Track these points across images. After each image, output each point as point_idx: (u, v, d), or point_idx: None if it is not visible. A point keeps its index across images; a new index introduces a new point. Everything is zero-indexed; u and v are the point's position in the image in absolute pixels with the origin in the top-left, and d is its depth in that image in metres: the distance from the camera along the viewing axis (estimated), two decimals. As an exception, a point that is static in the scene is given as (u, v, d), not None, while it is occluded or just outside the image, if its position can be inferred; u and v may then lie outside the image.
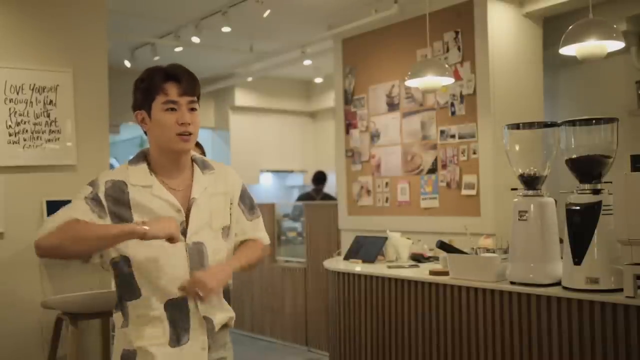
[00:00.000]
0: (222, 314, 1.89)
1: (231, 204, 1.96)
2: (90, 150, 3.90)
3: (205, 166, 1.96)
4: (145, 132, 1.90)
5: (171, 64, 1.88)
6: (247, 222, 1.99)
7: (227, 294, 1.96)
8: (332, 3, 5.00)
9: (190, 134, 1.83)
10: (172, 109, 1.81)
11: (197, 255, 1.83)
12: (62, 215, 1.75)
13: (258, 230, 2.02)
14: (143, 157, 1.89)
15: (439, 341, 2.97)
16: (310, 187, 7.84)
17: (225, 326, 1.92)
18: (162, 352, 1.79)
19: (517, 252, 2.69)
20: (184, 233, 1.82)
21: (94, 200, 1.79)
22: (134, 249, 1.79)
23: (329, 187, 7.65)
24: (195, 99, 1.86)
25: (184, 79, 1.83)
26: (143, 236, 1.69)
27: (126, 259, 1.81)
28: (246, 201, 2.01)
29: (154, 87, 1.83)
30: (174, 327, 1.80)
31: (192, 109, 1.85)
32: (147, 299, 1.79)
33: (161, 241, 1.73)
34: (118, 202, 1.80)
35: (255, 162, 8.01)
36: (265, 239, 2.04)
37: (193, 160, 1.94)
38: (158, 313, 1.79)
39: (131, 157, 1.91)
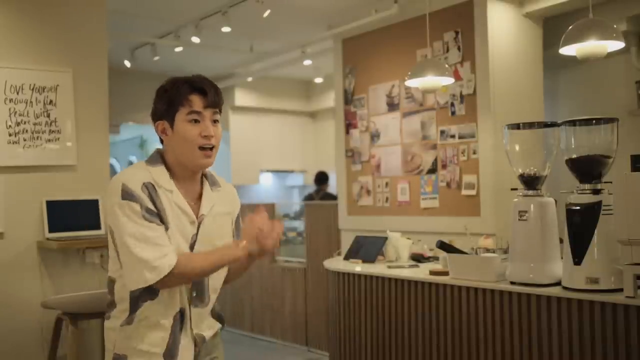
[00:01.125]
0: (211, 330, 1.94)
1: (232, 223, 1.98)
2: (90, 150, 3.91)
3: (213, 182, 1.93)
4: (162, 141, 1.87)
5: (197, 75, 1.85)
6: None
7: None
8: (332, 3, 5.00)
9: (212, 147, 1.81)
10: (196, 121, 1.79)
11: None
12: (159, 243, 1.72)
13: None
14: (160, 158, 1.84)
15: (439, 341, 2.97)
16: (311, 187, 7.84)
17: (215, 333, 1.96)
18: None
19: (517, 252, 2.69)
20: (192, 247, 1.83)
21: (151, 213, 1.73)
22: None
23: (331, 187, 7.66)
24: (218, 111, 1.84)
25: (210, 91, 1.81)
26: (242, 257, 1.80)
27: None
28: (239, 224, 2.01)
29: (178, 98, 1.79)
30: (172, 339, 1.81)
31: (215, 121, 1.83)
32: (162, 303, 1.79)
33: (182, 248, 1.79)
34: (155, 205, 1.76)
35: (255, 162, 8.01)
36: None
37: (203, 174, 1.91)
38: (165, 321, 1.80)
39: (147, 158, 1.87)
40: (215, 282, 1.92)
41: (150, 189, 1.76)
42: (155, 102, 1.84)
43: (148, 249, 1.70)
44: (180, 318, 1.82)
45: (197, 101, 1.79)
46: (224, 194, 1.95)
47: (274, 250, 1.80)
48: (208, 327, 1.91)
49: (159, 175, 1.80)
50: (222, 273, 1.93)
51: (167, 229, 1.76)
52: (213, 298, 1.92)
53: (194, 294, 1.85)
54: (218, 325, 1.97)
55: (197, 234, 1.83)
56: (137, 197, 1.73)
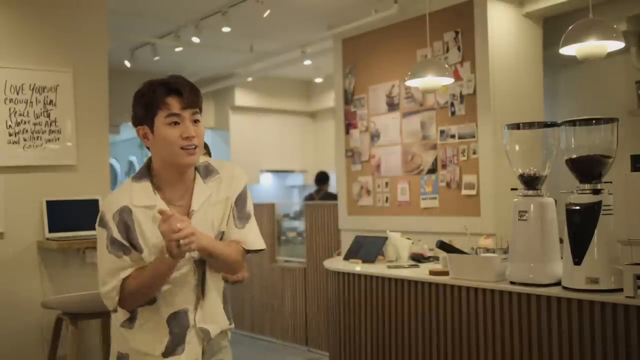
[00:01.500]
0: (219, 325, 1.92)
1: (229, 208, 1.93)
2: (90, 150, 3.91)
3: (207, 173, 1.90)
4: (148, 148, 1.86)
5: (172, 76, 1.84)
6: (234, 229, 1.91)
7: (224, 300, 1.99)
8: (332, 3, 5.00)
9: (195, 147, 1.79)
10: (176, 123, 1.77)
11: (201, 266, 1.88)
12: (108, 277, 1.80)
13: (243, 236, 1.93)
14: (147, 172, 1.85)
15: (439, 341, 2.97)
16: (311, 187, 7.84)
17: (222, 331, 1.95)
18: None
19: (517, 252, 2.69)
20: None
21: (114, 244, 1.78)
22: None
23: (331, 187, 7.65)
24: (197, 110, 1.82)
25: (186, 92, 1.79)
26: (172, 263, 1.75)
27: None
28: (239, 205, 1.93)
29: (155, 101, 1.78)
30: (172, 339, 1.83)
31: (196, 121, 1.81)
32: (161, 307, 1.83)
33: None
34: (128, 229, 1.78)
35: (255, 162, 8.00)
36: (252, 243, 1.94)
37: (196, 168, 1.89)
38: (165, 324, 1.82)
39: (135, 173, 1.88)
40: (210, 280, 1.90)
41: (124, 214, 1.78)
42: (134, 107, 1.83)
43: (104, 279, 1.80)
44: (181, 317, 1.83)
45: (174, 103, 1.77)
46: (223, 180, 1.91)
47: (182, 253, 1.72)
48: (212, 322, 1.89)
49: (141, 192, 1.81)
50: (217, 269, 1.93)
51: (141, 252, 1.79)
52: (211, 295, 1.90)
53: (191, 294, 1.86)
54: (225, 323, 1.95)
55: None
56: (106, 227, 1.79)
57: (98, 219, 1.82)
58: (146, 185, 1.83)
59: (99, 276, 1.82)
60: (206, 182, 1.89)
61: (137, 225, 1.79)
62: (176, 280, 1.82)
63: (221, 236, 1.91)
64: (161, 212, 1.72)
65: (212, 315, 1.90)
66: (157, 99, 1.77)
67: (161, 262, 1.75)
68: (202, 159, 1.92)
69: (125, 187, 1.84)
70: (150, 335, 1.82)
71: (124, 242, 1.79)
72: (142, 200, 1.80)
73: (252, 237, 1.94)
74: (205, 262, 1.87)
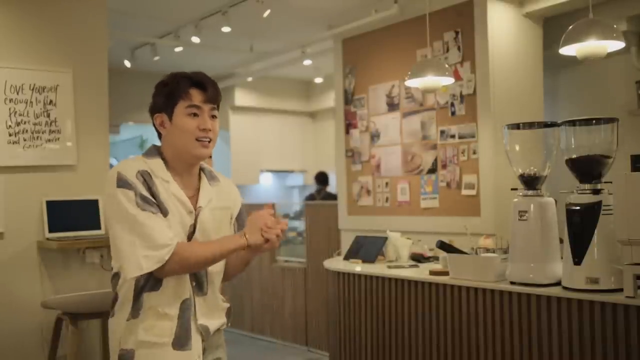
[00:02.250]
0: (217, 320, 1.93)
1: (231, 218, 1.99)
2: (90, 150, 3.91)
3: (212, 177, 1.96)
4: (159, 136, 1.89)
5: (196, 72, 1.88)
6: None
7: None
8: (332, 3, 5.00)
9: (210, 140, 1.84)
10: (195, 115, 1.82)
11: None
12: (160, 235, 1.72)
13: None
14: (157, 152, 1.87)
15: (439, 341, 2.97)
16: (311, 187, 7.84)
17: (218, 329, 1.95)
18: (164, 353, 1.79)
19: (517, 252, 2.69)
20: (190, 237, 1.84)
21: (145, 201, 1.74)
22: None
23: (330, 188, 7.65)
24: (216, 107, 1.88)
25: (209, 87, 1.84)
26: (245, 247, 1.80)
27: None
28: (240, 221, 2.01)
29: (178, 91, 1.82)
30: (180, 328, 1.80)
31: (214, 117, 1.86)
32: (166, 294, 1.80)
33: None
34: (151, 192, 1.77)
35: (255, 162, 8.01)
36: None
37: (201, 169, 1.94)
38: (171, 310, 1.80)
39: (143, 153, 1.89)
40: (214, 273, 1.91)
41: (146, 176, 1.78)
42: (155, 96, 1.87)
43: (141, 238, 1.71)
44: (187, 307, 1.82)
45: (196, 95, 1.82)
46: (223, 189, 1.97)
47: (275, 247, 1.78)
48: (211, 318, 1.90)
49: (156, 166, 1.82)
50: (219, 265, 1.93)
51: (165, 214, 1.77)
52: (212, 289, 1.91)
53: (193, 284, 1.85)
54: (223, 320, 1.96)
55: (194, 225, 1.84)
56: (131, 185, 1.74)
57: (115, 181, 1.74)
58: (159, 161, 1.85)
59: (129, 239, 1.71)
60: (211, 185, 1.93)
61: (158, 193, 1.78)
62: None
63: None
64: (271, 206, 1.85)
65: (212, 311, 1.90)
66: (181, 89, 1.82)
67: (233, 241, 1.80)
68: (207, 167, 1.98)
69: (138, 159, 1.85)
70: (159, 323, 1.79)
71: (154, 200, 1.76)
72: (160, 172, 1.82)
73: None
74: None
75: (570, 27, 3.17)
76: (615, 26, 3.12)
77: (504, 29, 4.35)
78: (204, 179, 1.92)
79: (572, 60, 3.46)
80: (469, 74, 4.36)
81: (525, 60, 4.50)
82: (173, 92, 1.82)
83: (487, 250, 3.08)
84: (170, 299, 1.80)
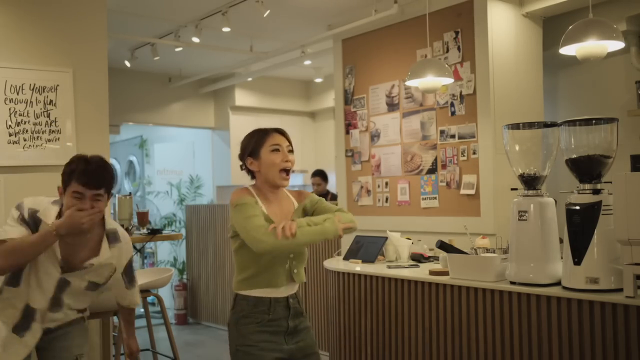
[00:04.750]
0: (56, 322, 2.59)
1: (112, 272, 2.60)
2: (90, 150, 3.87)
3: (115, 239, 2.59)
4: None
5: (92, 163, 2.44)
6: (124, 290, 2.74)
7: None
8: (332, 3, 5.00)
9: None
10: (78, 198, 2.40)
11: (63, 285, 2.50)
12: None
13: (132, 298, 2.81)
14: (61, 203, 2.47)
15: (439, 341, 2.97)
16: (311, 187, 7.82)
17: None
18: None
19: (517, 252, 2.69)
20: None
21: (20, 219, 2.46)
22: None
23: (330, 188, 7.63)
24: (100, 192, 2.45)
25: (92, 178, 2.40)
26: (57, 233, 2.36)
27: None
28: (128, 273, 2.70)
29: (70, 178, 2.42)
30: (21, 321, 2.48)
31: (97, 199, 2.44)
32: (19, 293, 2.47)
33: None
34: (33, 227, 2.47)
35: (255, 162, 7.98)
36: (137, 302, 2.85)
37: (106, 232, 2.56)
38: (19, 305, 2.47)
39: (56, 198, 2.51)
40: (76, 302, 2.57)
41: (34, 215, 2.44)
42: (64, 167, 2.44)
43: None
44: (31, 313, 2.46)
45: (76, 186, 2.39)
46: (121, 250, 2.63)
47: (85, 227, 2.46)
48: (54, 321, 2.55)
49: (50, 213, 2.49)
50: (84, 297, 2.59)
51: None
52: (69, 313, 2.57)
53: (52, 302, 2.49)
54: (71, 317, 2.60)
55: (73, 269, 2.50)
56: (22, 209, 2.48)
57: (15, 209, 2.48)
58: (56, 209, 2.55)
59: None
60: (111, 248, 2.60)
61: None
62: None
63: (96, 288, 2.67)
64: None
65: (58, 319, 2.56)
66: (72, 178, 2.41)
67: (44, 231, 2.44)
68: (111, 230, 2.66)
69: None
70: (8, 310, 2.47)
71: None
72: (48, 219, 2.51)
73: (138, 296, 2.96)
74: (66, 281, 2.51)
75: (570, 27, 3.17)
76: (615, 26, 3.13)
77: (503, 29, 4.35)
78: (105, 242, 2.54)
79: (572, 60, 3.46)
80: (469, 74, 4.36)
81: (525, 60, 4.50)
82: (69, 173, 2.43)
83: (487, 250, 3.08)
84: (20, 299, 2.48)
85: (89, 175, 2.37)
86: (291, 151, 2.50)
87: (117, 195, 4.65)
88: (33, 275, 2.45)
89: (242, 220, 2.34)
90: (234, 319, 2.43)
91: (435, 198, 4.57)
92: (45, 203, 2.48)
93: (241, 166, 2.54)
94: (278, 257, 2.40)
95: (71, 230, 2.33)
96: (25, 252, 2.35)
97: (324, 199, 2.59)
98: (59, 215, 2.42)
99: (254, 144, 2.47)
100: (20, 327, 2.47)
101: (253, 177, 2.53)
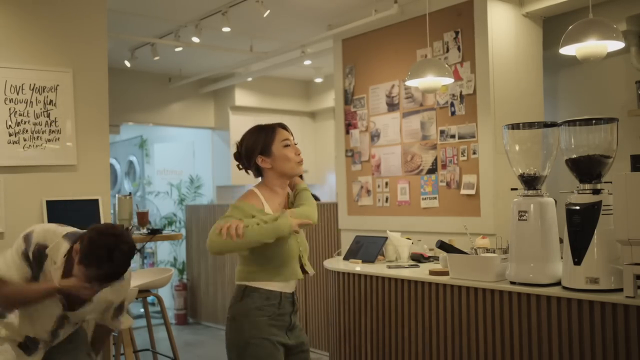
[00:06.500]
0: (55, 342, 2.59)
1: (108, 306, 2.62)
2: (90, 150, 3.91)
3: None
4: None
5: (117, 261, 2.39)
6: (109, 320, 2.75)
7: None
8: (332, 3, 5.00)
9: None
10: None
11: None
12: None
13: (115, 325, 2.82)
14: (74, 239, 2.44)
15: (439, 341, 2.97)
16: (311, 187, 7.82)
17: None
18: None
19: (517, 252, 2.69)
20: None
21: (23, 255, 2.39)
22: None
23: (330, 188, 7.64)
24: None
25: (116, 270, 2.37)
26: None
27: None
28: (121, 307, 2.74)
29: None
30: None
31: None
32: (10, 327, 2.47)
33: None
34: (37, 263, 2.37)
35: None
36: (117, 327, 2.86)
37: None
38: (11, 342, 2.44)
39: (70, 232, 2.49)
40: (69, 331, 2.59)
41: (41, 250, 2.38)
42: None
43: None
44: (33, 343, 2.46)
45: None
46: (120, 286, 2.60)
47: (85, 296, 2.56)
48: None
49: (60, 250, 2.42)
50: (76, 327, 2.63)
51: (34, 277, 2.36)
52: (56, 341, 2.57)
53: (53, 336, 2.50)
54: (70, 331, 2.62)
55: (74, 307, 2.49)
56: (29, 242, 2.38)
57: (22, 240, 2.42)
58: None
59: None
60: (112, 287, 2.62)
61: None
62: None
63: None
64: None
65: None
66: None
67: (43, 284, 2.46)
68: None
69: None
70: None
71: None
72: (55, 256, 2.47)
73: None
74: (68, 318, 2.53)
75: (570, 27, 3.17)
76: (615, 26, 3.13)
77: (503, 29, 4.35)
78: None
79: (572, 60, 3.46)
80: (469, 74, 4.36)
81: (525, 60, 4.50)
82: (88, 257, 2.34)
83: (487, 250, 3.08)
84: (12, 333, 2.47)
85: (111, 277, 2.35)
86: (296, 144, 2.56)
87: (117, 195, 4.65)
88: (33, 311, 2.42)
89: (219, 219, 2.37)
90: (244, 310, 2.39)
91: (435, 198, 4.57)
92: (57, 236, 2.40)
93: (238, 166, 2.54)
94: (293, 251, 2.44)
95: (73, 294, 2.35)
96: (20, 302, 2.33)
97: (308, 190, 2.58)
98: (68, 253, 2.36)
99: (263, 142, 2.45)
100: (26, 347, 2.46)
101: (259, 175, 2.52)
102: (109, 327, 2.81)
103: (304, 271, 2.55)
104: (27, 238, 2.36)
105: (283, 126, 2.51)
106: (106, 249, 2.26)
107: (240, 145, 2.52)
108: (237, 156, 2.54)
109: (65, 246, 2.37)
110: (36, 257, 2.33)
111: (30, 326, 2.44)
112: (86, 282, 2.28)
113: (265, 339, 2.35)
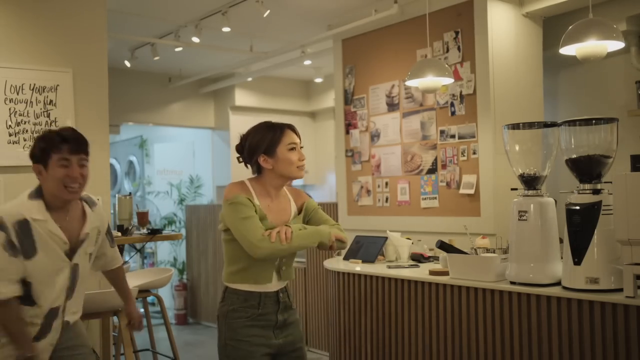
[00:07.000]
0: (75, 315, 2.53)
1: (99, 234, 2.56)
2: (91, 150, 3.90)
3: (92, 203, 2.54)
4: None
5: (65, 128, 2.44)
6: (110, 249, 2.72)
7: None
8: (332, 3, 5.00)
9: (79, 185, 2.38)
10: (65, 166, 2.36)
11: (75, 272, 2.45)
12: None
13: (118, 255, 2.79)
14: (39, 194, 2.37)
15: (439, 341, 2.97)
16: (311, 187, 7.83)
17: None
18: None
19: (517, 252, 2.69)
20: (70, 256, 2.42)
21: (10, 246, 2.26)
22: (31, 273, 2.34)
23: (330, 188, 7.65)
24: (85, 155, 2.43)
25: (73, 141, 2.38)
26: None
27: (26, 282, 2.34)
28: (109, 231, 2.70)
29: (51, 146, 2.37)
30: (41, 329, 2.38)
31: (82, 165, 2.41)
32: (38, 309, 2.37)
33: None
34: (26, 237, 2.27)
35: (255, 162, 7.97)
36: (122, 260, 2.85)
37: (82, 199, 2.49)
38: (38, 321, 2.36)
39: (29, 192, 2.40)
40: (82, 290, 2.54)
41: (22, 225, 2.28)
42: (33, 148, 2.38)
43: None
44: (53, 313, 2.39)
45: (65, 148, 2.33)
46: (97, 211, 2.54)
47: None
48: (72, 314, 2.49)
49: (35, 208, 2.33)
50: (87, 283, 2.58)
51: (29, 257, 2.28)
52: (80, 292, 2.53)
53: (67, 293, 2.43)
54: (79, 314, 2.56)
55: (75, 249, 2.42)
56: (6, 229, 2.26)
57: None
58: (40, 203, 2.41)
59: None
60: (93, 210, 2.58)
61: (37, 238, 2.38)
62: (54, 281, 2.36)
63: (90, 257, 2.60)
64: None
65: (73, 308, 2.49)
66: (54, 145, 2.36)
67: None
68: (85, 196, 2.56)
69: (22, 203, 2.41)
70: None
71: (17, 247, 2.34)
72: (37, 214, 2.39)
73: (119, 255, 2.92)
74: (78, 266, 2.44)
75: (570, 27, 3.17)
76: (615, 26, 3.13)
77: (503, 29, 4.35)
78: (87, 207, 2.49)
79: (572, 60, 3.46)
80: (469, 74, 4.36)
81: (525, 60, 4.50)
82: (46, 147, 2.33)
83: (487, 250, 3.09)
84: (40, 312, 2.37)
85: (71, 141, 2.35)
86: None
87: (117, 195, 4.65)
88: (45, 286, 2.36)
89: (238, 222, 2.32)
90: (223, 312, 2.42)
91: (435, 198, 4.57)
92: (24, 206, 2.34)
93: (238, 158, 2.51)
94: None
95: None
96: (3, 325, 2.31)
97: (320, 209, 2.60)
98: (43, 198, 2.37)
99: (269, 142, 2.41)
100: (41, 334, 2.39)
101: (258, 171, 2.49)
102: (117, 262, 2.77)
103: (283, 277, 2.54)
104: (0, 226, 2.28)
105: (292, 128, 2.47)
106: (50, 131, 2.42)
107: (244, 139, 2.48)
108: (240, 149, 2.50)
109: (37, 204, 2.35)
110: (20, 234, 2.27)
111: (50, 293, 2.36)
112: (60, 169, 2.31)
113: (240, 341, 2.35)
